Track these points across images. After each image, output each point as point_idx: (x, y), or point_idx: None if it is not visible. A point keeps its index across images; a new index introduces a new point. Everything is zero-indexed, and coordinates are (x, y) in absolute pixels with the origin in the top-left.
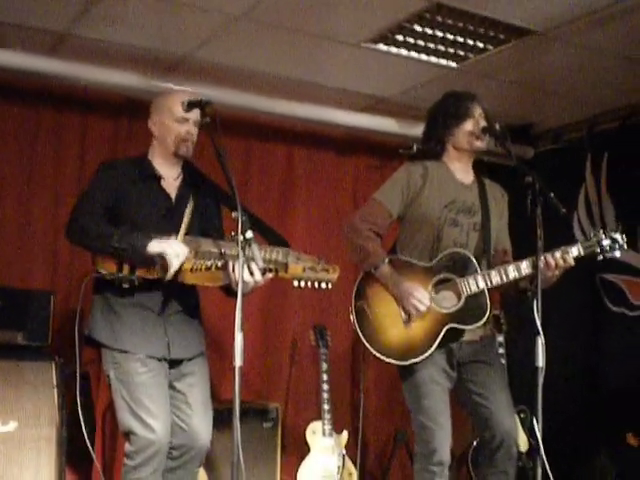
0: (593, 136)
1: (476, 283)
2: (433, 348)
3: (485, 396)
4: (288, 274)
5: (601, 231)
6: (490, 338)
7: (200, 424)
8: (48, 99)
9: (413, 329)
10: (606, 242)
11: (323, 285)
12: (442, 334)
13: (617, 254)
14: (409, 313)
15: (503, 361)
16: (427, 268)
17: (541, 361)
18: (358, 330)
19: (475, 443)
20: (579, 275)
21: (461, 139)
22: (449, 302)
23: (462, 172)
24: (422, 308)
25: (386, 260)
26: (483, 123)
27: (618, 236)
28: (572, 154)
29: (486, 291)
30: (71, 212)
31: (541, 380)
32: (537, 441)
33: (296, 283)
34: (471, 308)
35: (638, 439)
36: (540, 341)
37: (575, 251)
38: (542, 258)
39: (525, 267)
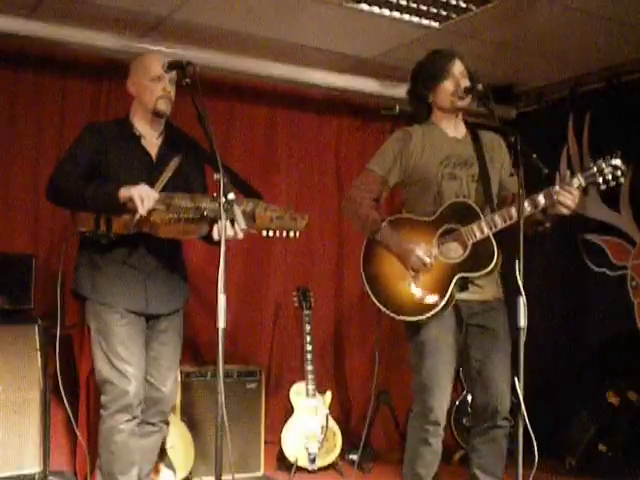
0: (576, 96)
1: (480, 229)
2: (446, 299)
3: (484, 362)
4: (256, 224)
5: (600, 159)
6: (501, 302)
7: (166, 379)
8: (28, 61)
9: (423, 284)
10: (608, 170)
11: (291, 234)
12: (452, 285)
13: (622, 181)
14: (416, 270)
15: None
16: (430, 222)
17: (522, 321)
18: (371, 295)
19: (457, 402)
20: (561, 236)
21: (442, 99)
22: (456, 253)
23: (453, 128)
24: (426, 261)
25: (384, 224)
26: (465, 82)
27: (618, 162)
28: (555, 114)
29: (492, 237)
30: (51, 174)
31: (523, 340)
32: (519, 399)
33: (264, 233)
34: (478, 255)
35: (618, 398)
36: (522, 301)
37: (576, 182)
38: (553, 195)
39: (527, 205)
